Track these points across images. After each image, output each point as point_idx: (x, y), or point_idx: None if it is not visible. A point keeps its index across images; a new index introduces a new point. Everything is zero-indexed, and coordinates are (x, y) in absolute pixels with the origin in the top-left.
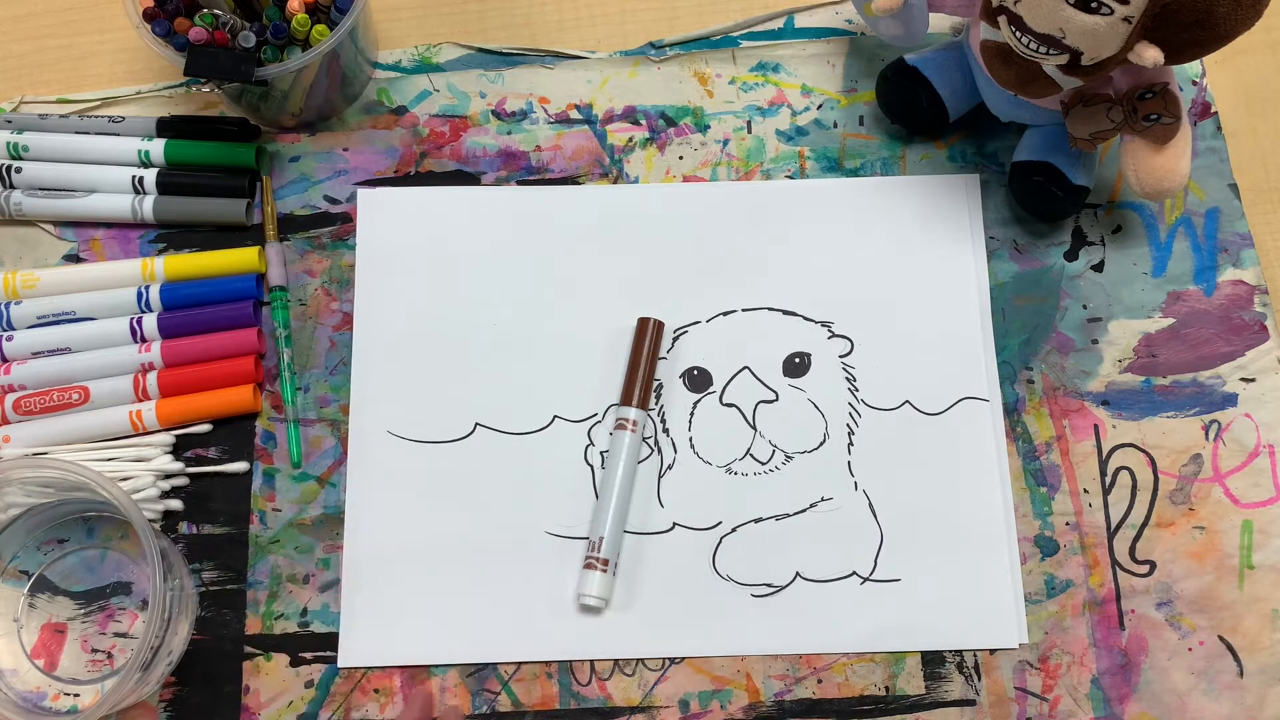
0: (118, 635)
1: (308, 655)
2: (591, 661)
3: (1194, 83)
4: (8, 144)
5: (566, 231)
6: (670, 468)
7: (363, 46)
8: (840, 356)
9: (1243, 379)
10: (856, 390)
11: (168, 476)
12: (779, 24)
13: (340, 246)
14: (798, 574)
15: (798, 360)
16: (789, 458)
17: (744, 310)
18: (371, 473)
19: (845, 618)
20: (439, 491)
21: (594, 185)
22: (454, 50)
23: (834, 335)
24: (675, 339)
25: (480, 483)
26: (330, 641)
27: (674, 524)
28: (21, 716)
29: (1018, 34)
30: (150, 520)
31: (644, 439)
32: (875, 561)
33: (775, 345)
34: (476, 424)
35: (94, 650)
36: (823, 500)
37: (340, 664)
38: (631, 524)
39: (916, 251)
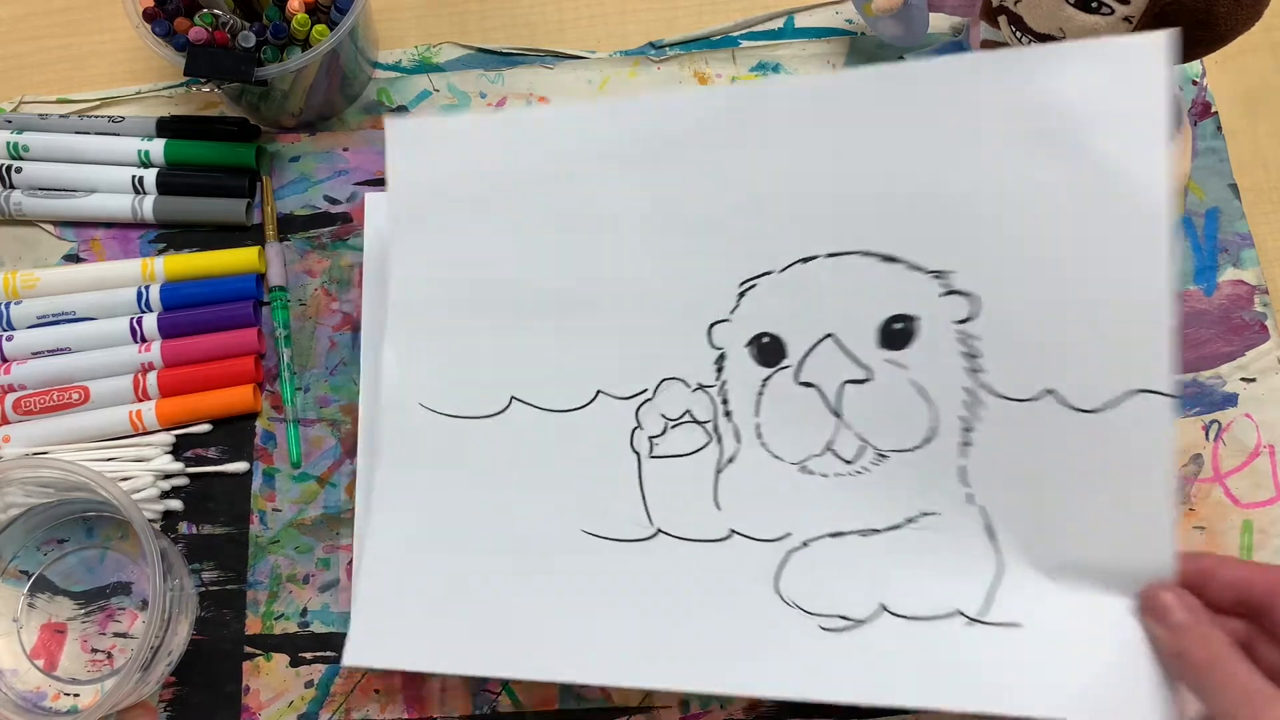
0: (117, 635)
1: (308, 655)
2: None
3: (1194, 83)
4: (7, 144)
5: (609, 160)
6: (731, 461)
7: (363, 46)
8: (958, 323)
9: (1243, 379)
10: (979, 371)
11: (167, 476)
12: (779, 24)
13: (340, 247)
14: (883, 607)
15: (899, 326)
16: (882, 456)
17: (829, 255)
18: (399, 448)
19: (941, 668)
20: (467, 475)
21: (632, 99)
22: (454, 50)
23: (951, 292)
24: (741, 294)
25: (513, 467)
26: (330, 641)
27: (731, 531)
28: (21, 716)
29: (1018, 34)
30: (150, 520)
31: (700, 423)
32: (989, 599)
33: (870, 305)
34: (513, 398)
35: (94, 650)
36: (923, 515)
37: (344, 663)
38: (679, 528)
39: (1077, 169)
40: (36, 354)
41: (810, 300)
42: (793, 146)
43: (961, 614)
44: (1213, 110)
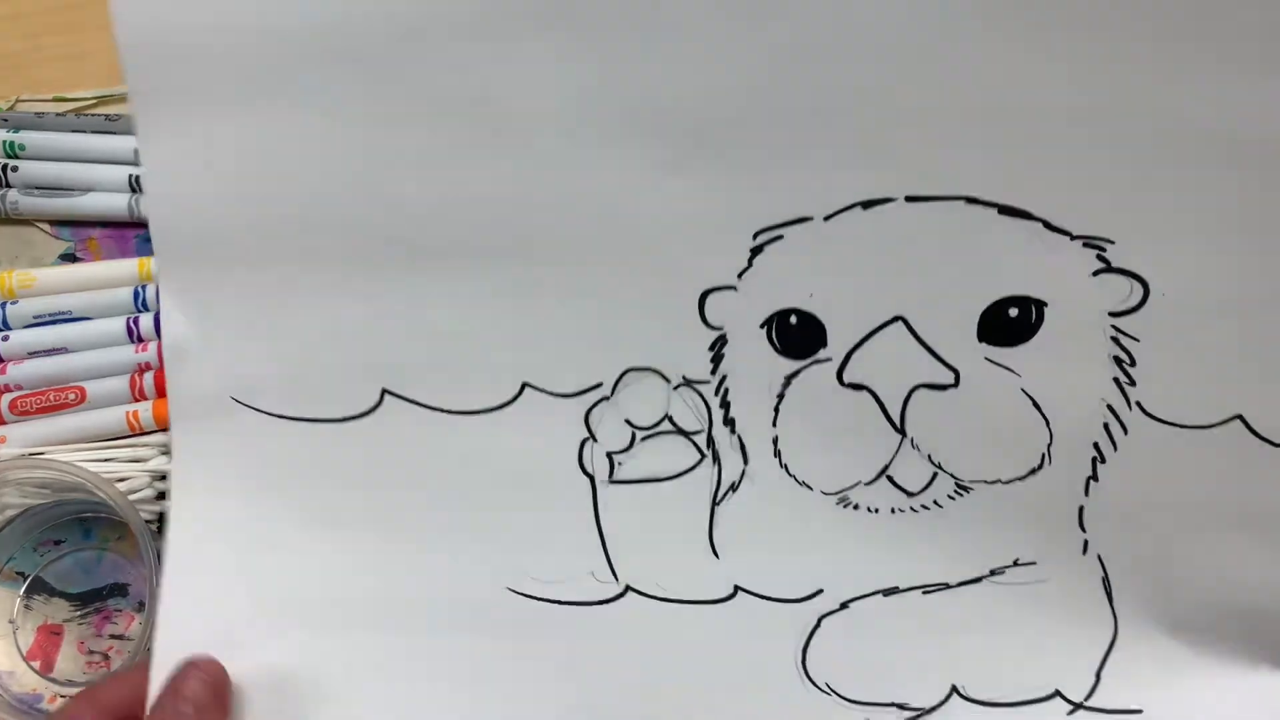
0: (114, 637)
1: None
2: None
3: None
4: (3, 143)
5: (514, 7)
6: (734, 488)
7: None
8: (1114, 315)
9: None
10: (1131, 382)
11: (164, 477)
12: None
13: None
14: (955, 690)
15: (1015, 313)
16: (963, 489)
17: (909, 200)
18: (199, 467)
19: None
20: (314, 509)
21: None
22: None
23: (1108, 270)
24: (756, 250)
25: (391, 496)
26: None
27: (736, 588)
28: (18, 718)
29: None
30: (147, 521)
31: (686, 434)
32: (1098, 676)
33: (972, 279)
34: (385, 391)
35: (90, 652)
36: (1016, 564)
37: None
38: (658, 583)
39: None
40: (33, 354)
41: (872, 267)
42: (851, 22)
43: (1062, 696)
44: None
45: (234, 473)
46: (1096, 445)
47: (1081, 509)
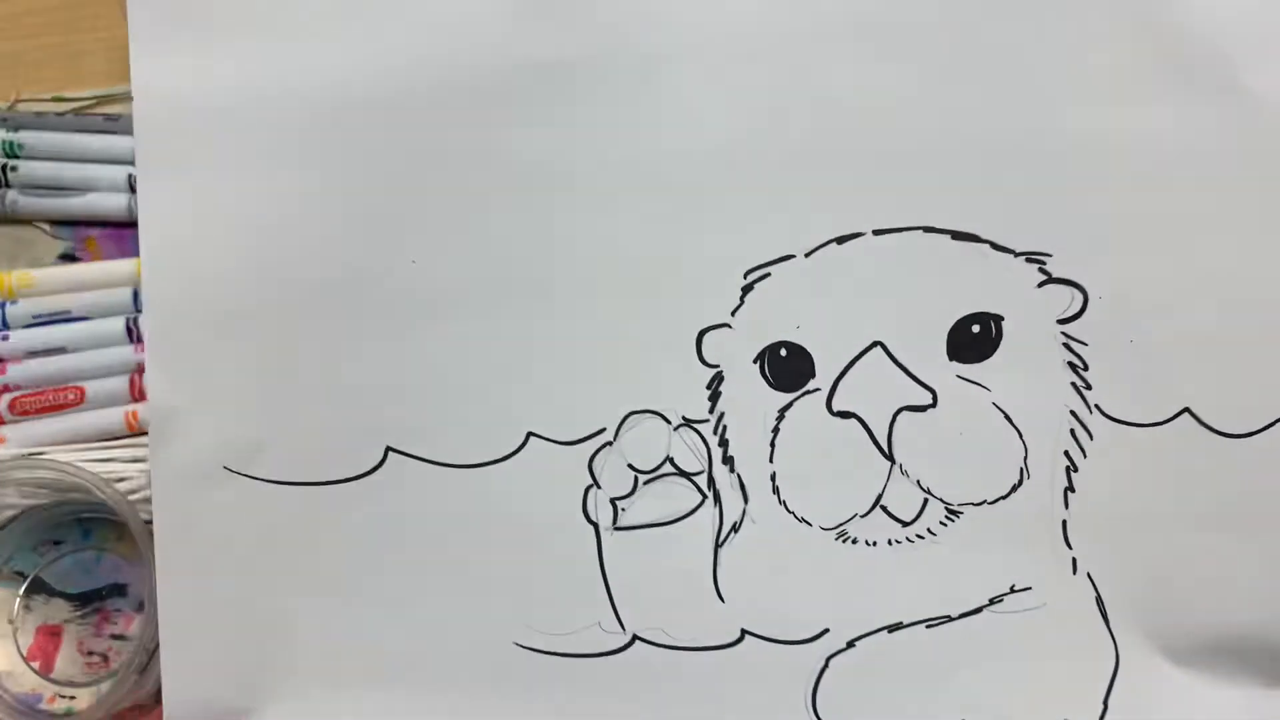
0: (114, 638)
1: None
2: None
3: None
4: (3, 142)
5: (519, 75)
6: (736, 529)
7: None
8: (1061, 323)
9: None
10: (1087, 387)
11: None
12: None
13: None
14: None
15: (977, 330)
16: (953, 514)
17: (875, 233)
18: (193, 546)
19: None
20: (314, 574)
21: None
22: None
23: (1050, 281)
24: (747, 288)
25: (395, 555)
26: None
27: (743, 632)
28: (18, 718)
29: None
30: (146, 522)
31: (687, 476)
32: (1105, 704)
33: (936, 301)
34: (388, 449)
35: (90, 653)
36: (1012, 591)
37: None
38: (665, 631)
39: (1223, 115)
40: (32, 354)
41: (849, 296)
42: (821, 60)
43: None
44: None
45: (228, 546)
46: (1068, 454)
47: (1065, 523)
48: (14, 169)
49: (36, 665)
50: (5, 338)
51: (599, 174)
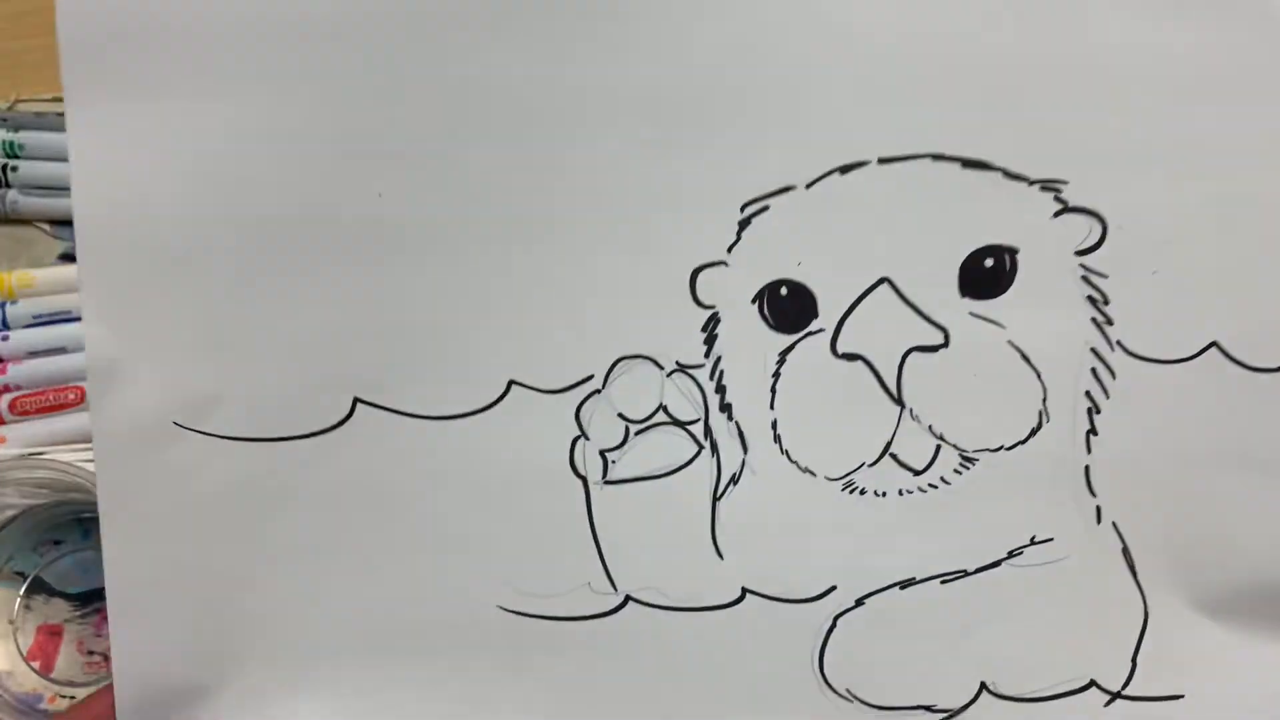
0: None
1: None
2: None
3: None
4: (3, 142)
5: None
6: (735, 481)
7: None
8: (1079, 254)
9: None
10: (1108, 322)
11: None
12: None
13: None
14: (984, 686)
15: (990, 263)
16: (968, 461)
17: (881, 162)
18: (139, 507)
19: None
20: (280, 537)
21: None
22: None
23: (1066, 210)
24: (744, 223)
25: (367, 515)
26: None
27: (744, 591)
28: (18, 718)
29: None
30: None
31: (682, 425)
32: (1134, 662)
33: (946, 234)
34: (356, 400)
35: (90, 652)
36: (1033, 543)
37: None
38: (660, 591)
39: (1239, 33)
40: (32, 354)
41: (853, 230)
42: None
43: (1098, 686)
44: None
45: (180, 509)
46: (1089, 394)
47: (1088, 469)
48: (14, 169)
49: (37, 665)
50: (5, 338)
51: (582, 101)
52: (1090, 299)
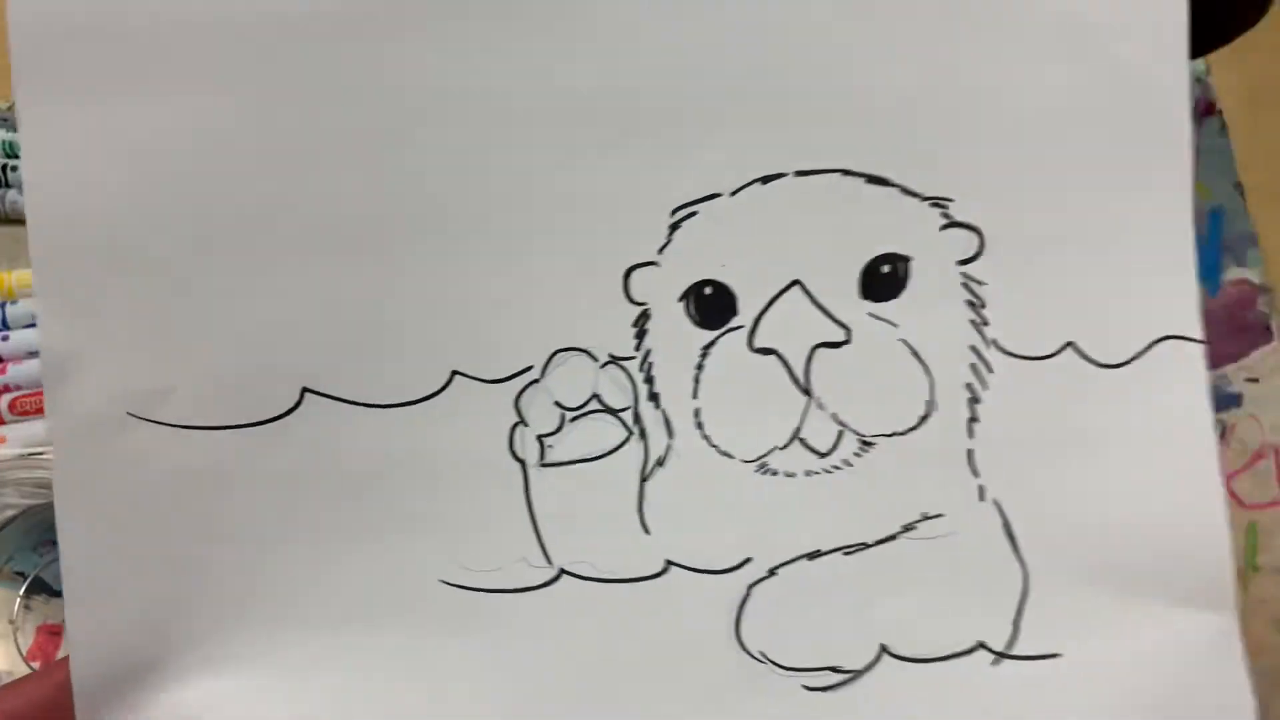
0: None
1: None
2: None
3: (1198, 81)
4: (3, 142)
5: None
6: (661, 463)
7: None
8: (961, 263)
9: (1248, 379)
10: (985, 324)
11: None
12: None
13: None
14: (884, 649)
15: (887, 270)
16: (867, 444)
17: (798, 174)
18: (95, 495)
19: None
20: (236, 514)
21: None
22: None
23: (951, 224)
24: (674, 226)
25: (313, 498)
26: None
27: (668, 563)
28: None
29: None
30: None
31: (614, 412)
32: (1016, 625)
33: (851, 242)
34: (304, 389)
35: None
36: (924, 519)
37: None
38: (591, 564)
39: (1093, 78)
40: (32, 354)
41: (771, 236)
42: (742, 14)
43: (985, 647)
44: (1217, 109)
45: (134, 496)
46: (969, 386)
47: (970, 452)
48: (14, 169)
49: (37, 665)
50: (5, 338)
51: (525, 105)
52: (970, 303)
